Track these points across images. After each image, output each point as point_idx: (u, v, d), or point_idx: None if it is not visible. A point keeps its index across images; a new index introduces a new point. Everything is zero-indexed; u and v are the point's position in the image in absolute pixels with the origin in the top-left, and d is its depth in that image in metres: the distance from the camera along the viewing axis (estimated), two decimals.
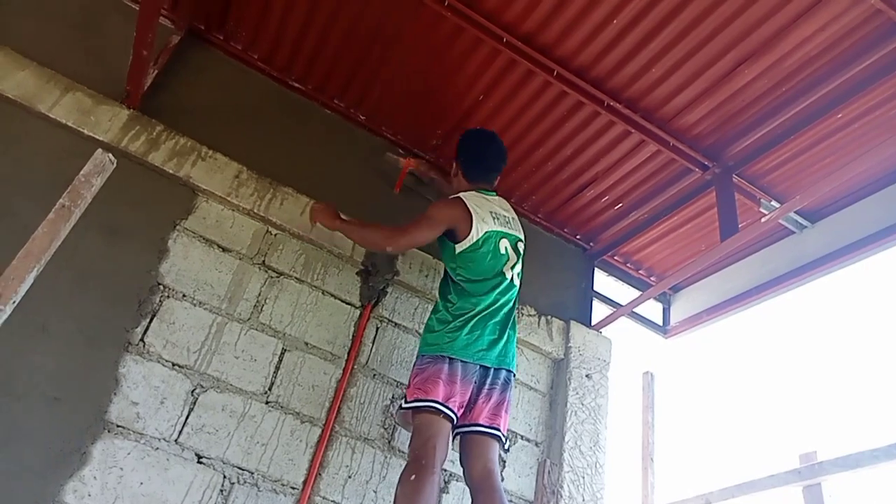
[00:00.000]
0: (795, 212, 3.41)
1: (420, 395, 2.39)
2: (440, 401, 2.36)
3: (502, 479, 2.88)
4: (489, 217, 2.73)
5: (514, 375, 2.64)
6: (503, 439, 2.50)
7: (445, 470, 2.77)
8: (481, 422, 2.46)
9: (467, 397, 2.46)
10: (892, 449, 2.58)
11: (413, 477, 2.16)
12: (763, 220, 3.10)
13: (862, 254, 3.24)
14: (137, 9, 2.51)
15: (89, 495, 2.15)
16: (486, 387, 2.50)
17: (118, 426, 2.29)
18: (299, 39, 3.20)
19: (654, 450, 3.52)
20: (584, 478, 3.03)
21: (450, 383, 2.41)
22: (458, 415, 2.41)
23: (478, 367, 2.50)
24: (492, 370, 2.53)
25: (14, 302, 1.75)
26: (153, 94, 2.92)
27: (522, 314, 3.34)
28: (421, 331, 3.08)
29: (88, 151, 2.07)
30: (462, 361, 2.47)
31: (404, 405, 2.45)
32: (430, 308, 3.16)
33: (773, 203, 3.39)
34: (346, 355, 2.83)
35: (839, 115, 2.98)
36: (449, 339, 2.50)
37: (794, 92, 2.92)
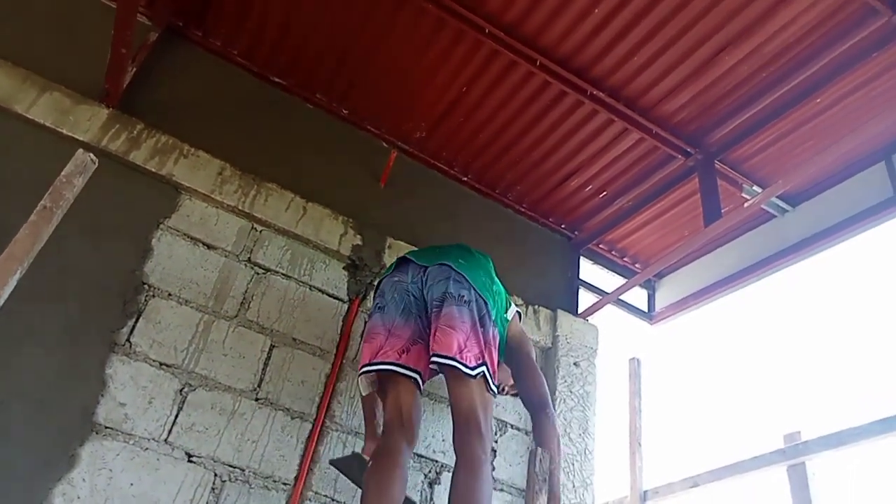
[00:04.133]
0: (777, 196, 3.45)
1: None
2: (367, 362, 2.22)
3: (493, 469, 2.87)
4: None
5: (458, 275, 2.29)
6: (456, 366, 2.09)
7: (436, 461, 2.78)
8: (432, 351, 2.16)
9: (412, 330, 2.25)
10: (873, 426, 2.62)
11: (372, 464, 2.08)
12: (745, 205, 3.14)
13: (843, 236, 3.29)
14: (114, 6, 2.48)
15: (78, 498, 2.13)
16: (430, 307, 2.26)
17: (106, 427, 2.28)
18: (281, 34, 3.17)
19: (641, 434, 3.56)
20: (574, 464, 3.06)
21: (374, 334, 2.27)
22: (401, 359, 2.19)
23: (408, 284, 2.34)
24: (426, 279, 2.31)
25: None
26: (133, 92, 2.89)
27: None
28: None
29: (68, 152, 2.05)
30: (390, 286, 2.35)
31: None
32: None
33: (755, 188, 3.44)
34: (334, 350, 2.82)
35: (818, 100, 3.02)
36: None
37: (774, 77, 2.95)
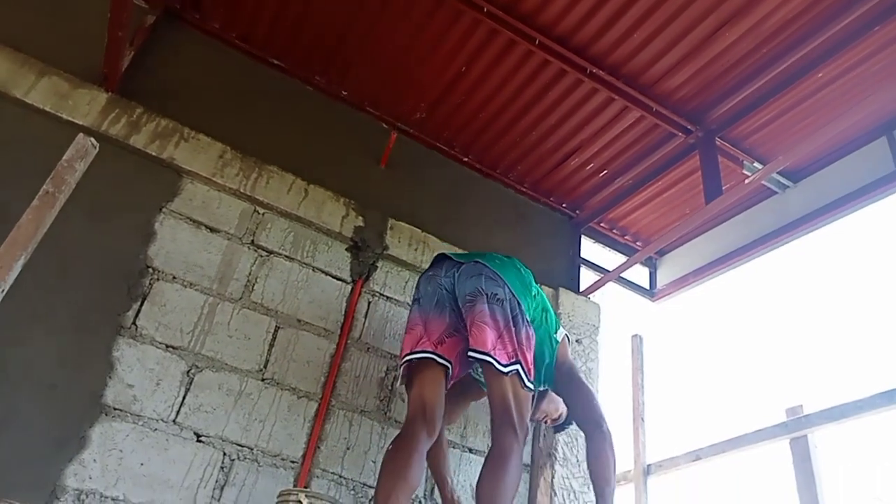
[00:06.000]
0: (778, 172, 3.44)
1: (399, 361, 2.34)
2: (407, 352, 2.28)
3: None
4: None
5: (491, 272, 2.32)
6: (491, 361, 2.15)
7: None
8: (470, 346, 2.20)
9: (446, 323, 2.31)
10: (875, 399, 2.64)
11: (391, 446, 2.11)
12: (746, 181, 3.13)
13: (844, 211, 3.29)
14: None
15: (90, 478, 2.17)
16: (462, 302, 2.31)
17: (115, 409, 2.31)
18: (278, 16, 3.16)
19: (644, 410, 3.58)
20: (577, 440, 3.10)
21: (413, 326, 2.33)
22: (436, 350, 2.26)
23: (441, 278, 2.40)
24: (459, 274, 2.36)
25: (3, 290, 1.75)
26: (131, 76, 2.88)
27: None
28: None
29: (68, 136, 2.05)
30: (426, 280, 2.42)
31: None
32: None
33: (756, 164, 3.43)
34: (339, 330, 2.85)
35: (819, 75, 3.00)
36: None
37: (774, 53, 2.93)
